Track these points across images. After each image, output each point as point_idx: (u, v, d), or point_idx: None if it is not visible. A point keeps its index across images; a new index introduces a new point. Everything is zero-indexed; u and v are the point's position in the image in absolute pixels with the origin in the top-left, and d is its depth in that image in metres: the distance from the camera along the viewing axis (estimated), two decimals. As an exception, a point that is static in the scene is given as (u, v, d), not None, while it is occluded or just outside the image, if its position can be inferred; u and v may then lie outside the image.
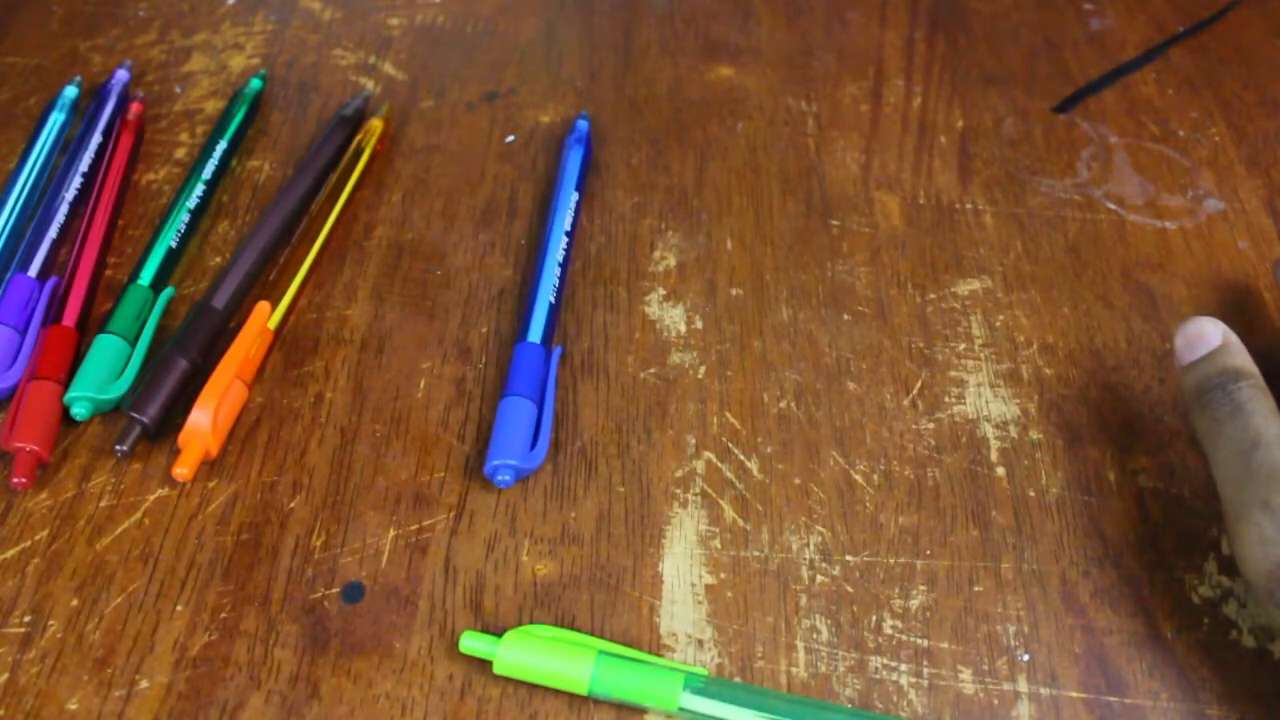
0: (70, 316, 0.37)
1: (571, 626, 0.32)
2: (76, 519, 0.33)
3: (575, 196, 0.42)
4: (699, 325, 0.39)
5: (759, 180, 0.44)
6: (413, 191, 0.43)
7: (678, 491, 0.35)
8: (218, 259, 0.41)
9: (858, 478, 0.35)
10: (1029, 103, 0.49)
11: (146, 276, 0.38)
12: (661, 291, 0.40)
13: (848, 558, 0.33)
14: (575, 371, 0.38)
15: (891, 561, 0.33)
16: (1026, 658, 0.32)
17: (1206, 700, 0.31)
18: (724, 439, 0.36)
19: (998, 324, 0.40)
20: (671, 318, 0.39)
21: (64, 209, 0.40)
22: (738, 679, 0.31)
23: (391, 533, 0.33)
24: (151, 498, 0.34)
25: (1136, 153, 0.46)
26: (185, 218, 0.40)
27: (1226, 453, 0.31)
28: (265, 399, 0.37)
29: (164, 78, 0.48)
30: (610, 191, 0.44)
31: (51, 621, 0.31)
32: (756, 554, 0.33)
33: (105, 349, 0.36)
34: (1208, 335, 0.33)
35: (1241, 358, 0.33)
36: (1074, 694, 0.31)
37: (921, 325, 0.40)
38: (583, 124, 0.45)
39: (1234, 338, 0.33)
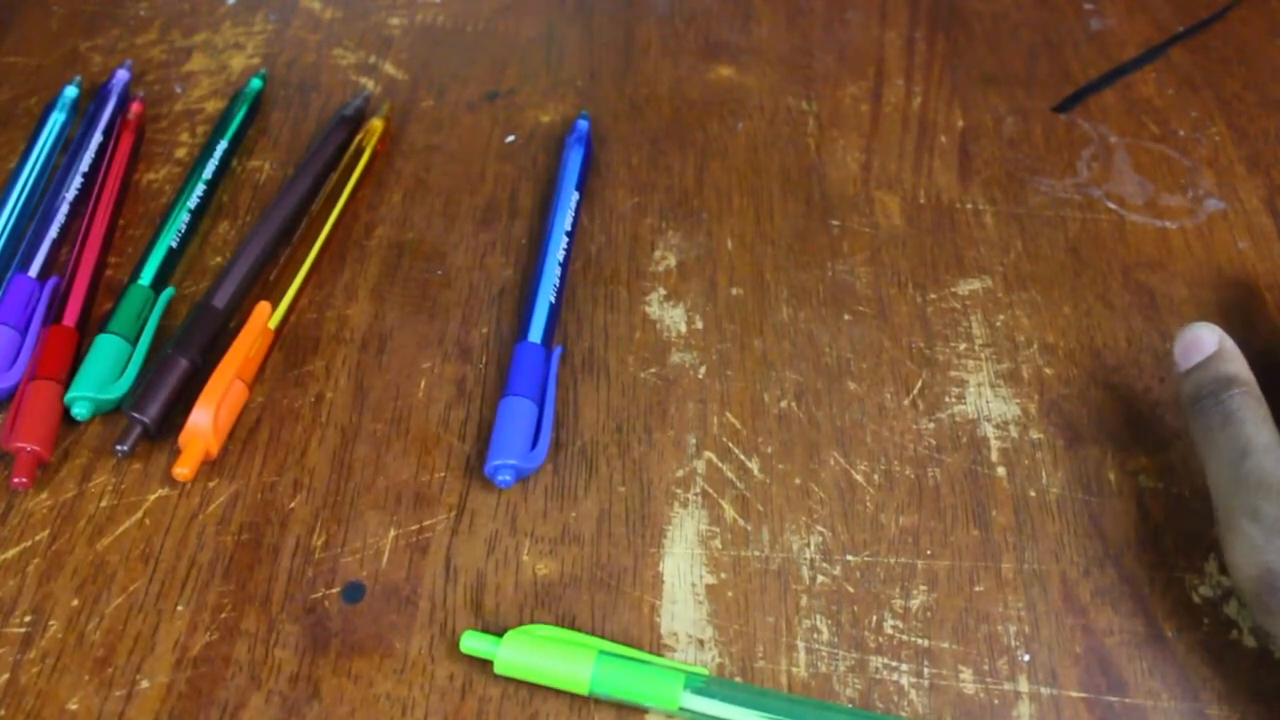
0: (71, 316, 0.37)
1: (572, 626, 0.32)
2: (77, 519, 0.33)
3: (575, 196, 0.42)
4: (699, 325, 0.39)
5: (759, 180, 0.45)
6: (413, 191, 0.43)
7: (678, 491, 0.35)
8: (218, 259, 0.41)
9: (858, 478, 0.35)
10: (1029, 103, 0.49)
11: (147, 276, 0.38)
12: (662, 291, 0.40)
13: (848, 558, 0.33)
14: (576, 371, 0.38)
15: (892, 561, 0.33)
16: (1027, 657, 0.32)
17: (1207, 700, 0.31)
18: (724, 439, 0.36)
19: (998, 324, 0.40)
20: (672, 317, 0.40)
21: (64, 209, 0.40)
22: (738, 679, 0.31)
23: (392, 532, 0.33)
24: (152, 498, 0.34)
25: (1136, 152, 0.46)
26: (185, 218, 0.40)
27: (1218, 461, 0.31)
28: (265, 399, 0.37)
29: (164, 77, 0.48)
30: (610, 191, 0.44)
31: (52, 621, 0.31)
32: (757, 554, 0.33)
33: (106, 349, 0.36)
34: (1203, 342, 0.33)
35: (1236, 364, 0.33)
36: (1074, 694, 0.31)
37: (922, 325, 0.40)
38: (583, 124, 0.45)
39: (1229, 344, 0.33)
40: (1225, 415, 0.32)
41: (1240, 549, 0.30)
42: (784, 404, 0.37)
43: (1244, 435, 0.31)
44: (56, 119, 0.44)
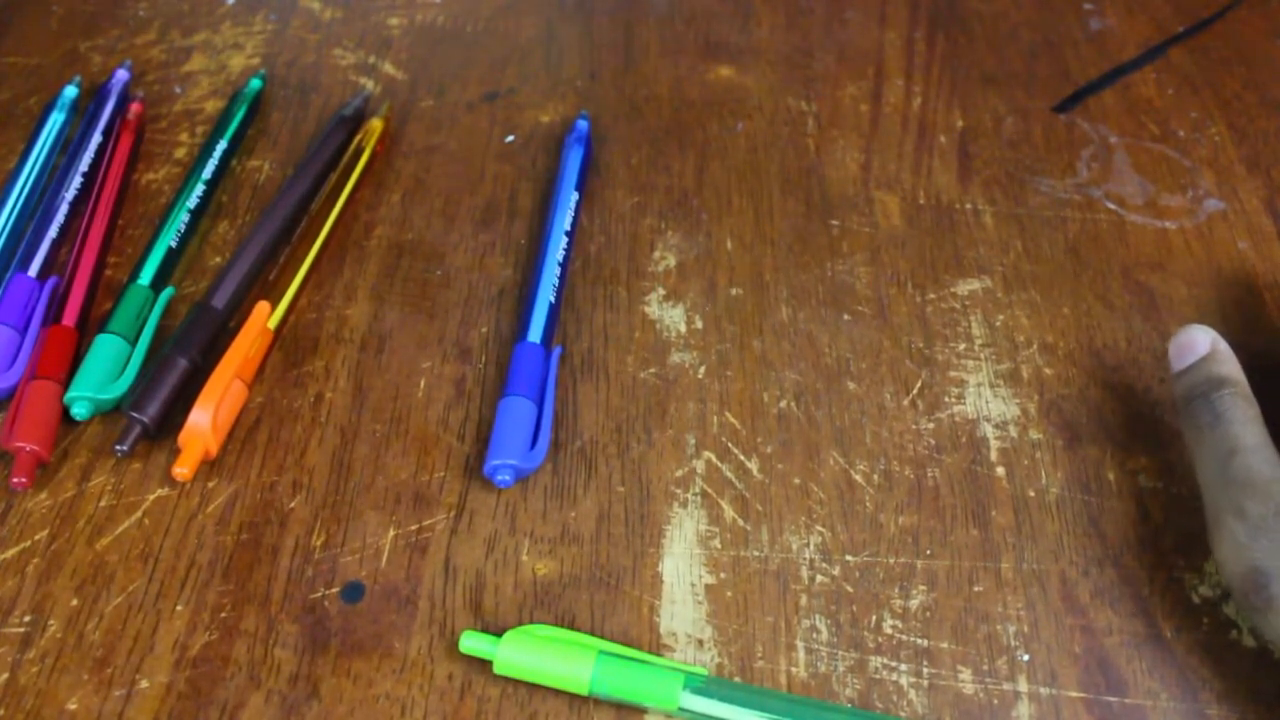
0: (70, 316, 0.37)
1: (571, 626, 0.32)
2: (76, 519, 0.33)
3: (575, 196, 0.42)
4: (699, 325, 0.39)
5: (759, 180, 0.45)
6: (413, 191, 0.43)
7: (677, 491, 0.35)
8: (218, 259, 0.41)
9: (858, 478, 0.35)
10: (1029, 103, 0.48)
11: (146, 276, 0.38)
12: (661, 291, 0.40)
13: (848, 558, 0.33)
14: (575, 371, 0.38)
15: (891, 561, 0.33)
16: (1026, 658, 0.32)
17: (1206, 700, 0.31)
18: (724, 439, 0.36)
19: (998, 324, 0.40)
20: (671, 318, 0.39)
21: (64, 209, 0.40)
22: (738, 679, 0.31)
23: (391, 532, 0.33)
24: (151, 497, 0.34)
25: (1136, 153, 0.46)
26: (185, 218, 0.40)
27: (1206, 460, 0.32)
28: (265, 399, 0.37)
29: (164, 78, 0.48)
30: (610, 191, 0.44)
31: (51, 621, 0.31)
32: (756, 554, 0.33)
33: (105, 349, 0.36)
34: (1196, 343, 0.34)
35: (1227, 366, 0.33)
36: (1074, 694, 0.31)
37: (921, 325, 0.40)
38: (583, 124, 0.45)
39: (1223, 345, 0.34)
40: (1215, 415, 0.32)
41: (1227, 547, 0.30)
42: (783, 404, 0.37)
43: (1232, 435, 0.31)
44: (56, 119, 0.44)
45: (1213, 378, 0.33)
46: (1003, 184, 0.45)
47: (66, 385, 0.35)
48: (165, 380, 0.35)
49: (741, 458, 0.36)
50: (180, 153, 0.45)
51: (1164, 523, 0.35)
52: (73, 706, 0.30)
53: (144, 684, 0.30)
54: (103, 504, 0.34)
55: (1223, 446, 0.31)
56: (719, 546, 0.34)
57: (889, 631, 0.32)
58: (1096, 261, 0.42)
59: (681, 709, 0.29)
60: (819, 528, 0.34)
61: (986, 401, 0.37)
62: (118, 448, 0.34)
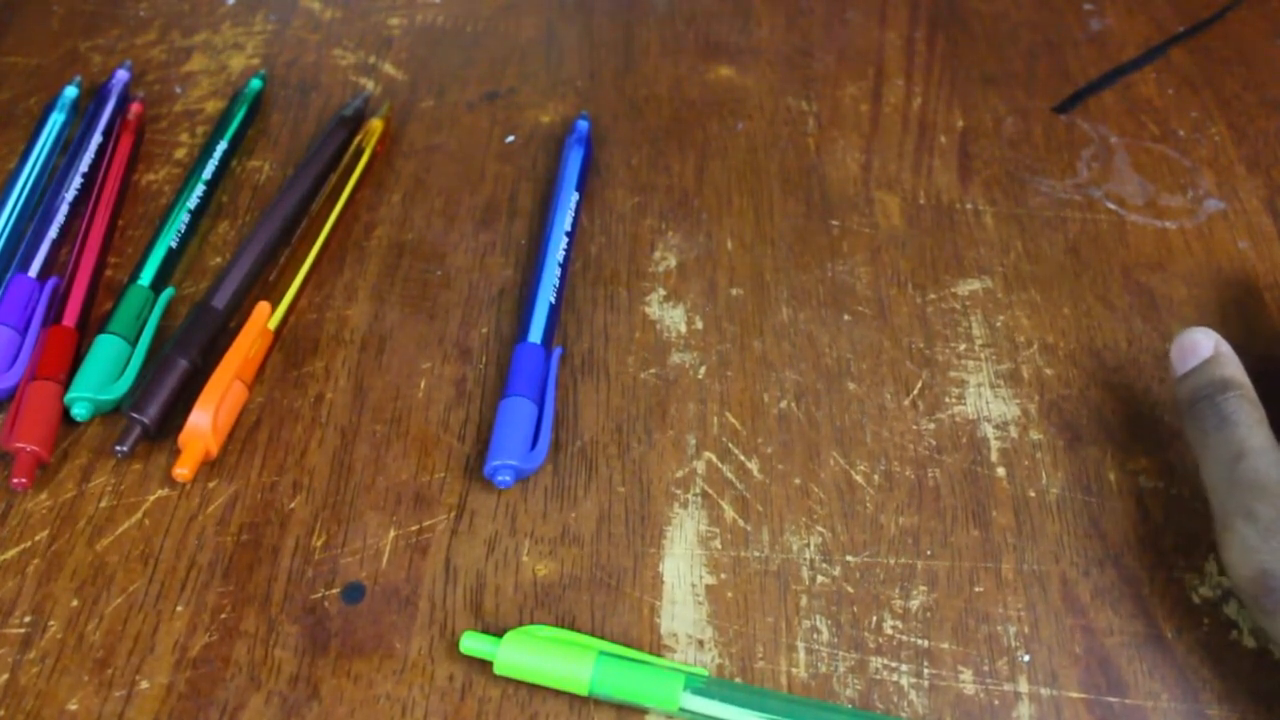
0: (70, 317, 0.37)
1: (572, 627, 0.32)
2: (76, 519, 0.33)
3: (575, 196, 0.42)
4: (699, 325, 0.39)
5: (759, 180, 0.44)
6: (413, 191, 0.43)
7: (678, 492, 0.35)
8: (218, 259, 0.41)
9: (858, 478, 0.35)
10: (1029, 103, 0.48)
11: (147, 277, 0.38)
12: (661, 291, 0.40)
13: (848, 558, 0.33)
14: (575, 371, 0.38)
15: (892, 562, 0.33)
16: (1027, 658, 0.32)
17: (1207, 700, 0.31)
18: (724, 439, 0.36)
19: (998, 324, 0.40)
20: (671, 318, 0.39)
21: (64, 209, 0.40)
22: (738, 679, 0.31)
23: (391, 533, 0.33)
24: (151, 498, 0.34)
25: (1136, 153, 0.46)
26: (185, 218, 0.40)
27: (1213, 463, 0.32)
28: (265, 399, 0.37)
29: (164, 78, 0.48)
30: (610, 191, 0.44)
31: (51, 622, 0.31)
32: (757, 554, 0.33)
33: (105, 349, 0.36)
34: (1200, 346, 0.34)
35: (1231, 368, 0.33)
36: (1074, 694, 0.31)
37: (921, 325, 0.40)
38: (583, 124, 0.45)
39: (1226, 348, 0.34)
40: (1221, 418, 0.32)
41: (1236, 550, 0.30)
42: (784, 404, 0.37)
43: (1239, 438, 0.31)
44: (56, 119, 0.44)
45: (1217, 380, 0.33)
46: (1003, 184, 0.45)
47: (67, 386, 0.35)
48: (165, 381, 0.35)
49: (742, 458, 0.36)
50: (180, 153, 0.45)
51: (1164, 523, 0.35)
52: (73, 707, 0.30)
53: (144, 685, 0.30)
54: (103, 505, 0.34)
55: (1229, 449, 0.31)
56: (719, 547, 0.34)
57: (889, 632, 0.32)
58: (1096, 262, 0.42)
59: (682, 709, 0.29)
60: (819, 528, 0.34)
61: (987, 402, 0.37)
62: (118, 448, 0.34)
